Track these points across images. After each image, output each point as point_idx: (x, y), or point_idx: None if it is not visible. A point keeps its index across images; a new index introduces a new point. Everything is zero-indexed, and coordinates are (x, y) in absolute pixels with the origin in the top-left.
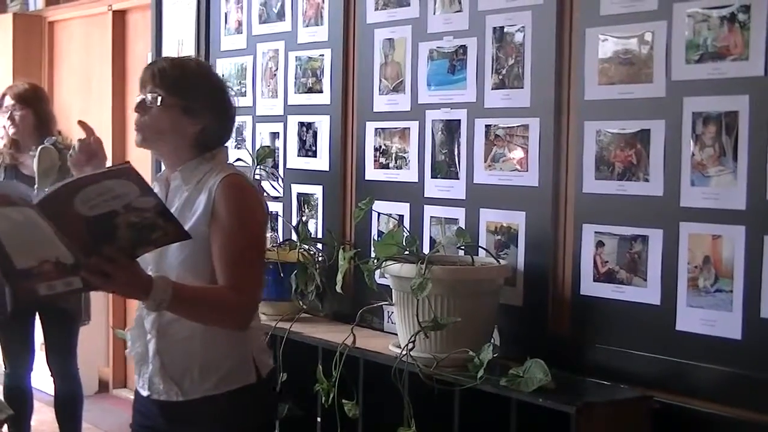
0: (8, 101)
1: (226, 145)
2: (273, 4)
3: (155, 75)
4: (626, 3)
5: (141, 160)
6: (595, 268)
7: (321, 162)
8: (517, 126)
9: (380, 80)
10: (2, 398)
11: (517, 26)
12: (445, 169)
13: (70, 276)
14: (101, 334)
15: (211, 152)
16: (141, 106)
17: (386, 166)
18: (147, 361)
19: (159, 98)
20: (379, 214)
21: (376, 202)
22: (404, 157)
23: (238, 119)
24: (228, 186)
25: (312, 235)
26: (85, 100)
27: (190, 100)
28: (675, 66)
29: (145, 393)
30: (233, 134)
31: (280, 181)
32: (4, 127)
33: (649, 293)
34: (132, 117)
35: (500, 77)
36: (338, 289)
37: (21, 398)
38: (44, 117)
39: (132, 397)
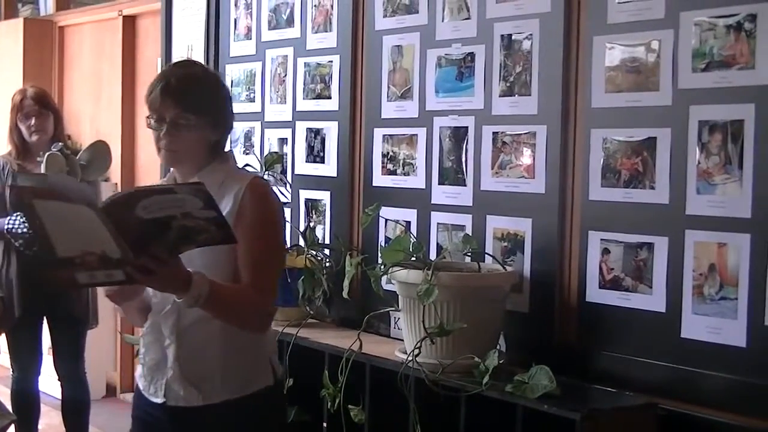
0: (29, 104)
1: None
2: (282, 11)
3: (180, 97)
4: (633, 11)
5: (150, 163)
6: (601, 275)
7: (329, 168)
8: (524, 133)
9: (388, 87)
10: (8, 402)
11: (524, 34)
12: (452, 175)
13: (113, 269)
14: (109, 338)
15: (225, 157)
16: (172, 132)
17: (394, 173)
18: (164, 368)
19: (192, 119)
20: (386, 220)
21: (383, 208)
22: (412, 164)
23: (247, 125)
24: (255, 190)
25: (319, 241)
26: (95, 105)
27: (215, 115)
28: (681, 74)
29: (158, 400)
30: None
31: (288, 186)
32: (29, 128)
33: (654, 300)
34: (141, 121)
35: (508, 85)
36: (345, 294)
37: (29, 402)
38: (60, 121)
39: None
